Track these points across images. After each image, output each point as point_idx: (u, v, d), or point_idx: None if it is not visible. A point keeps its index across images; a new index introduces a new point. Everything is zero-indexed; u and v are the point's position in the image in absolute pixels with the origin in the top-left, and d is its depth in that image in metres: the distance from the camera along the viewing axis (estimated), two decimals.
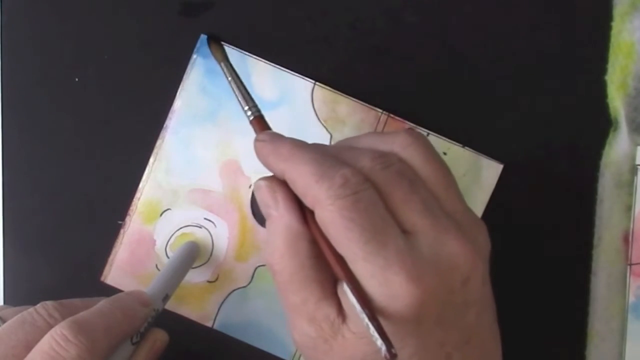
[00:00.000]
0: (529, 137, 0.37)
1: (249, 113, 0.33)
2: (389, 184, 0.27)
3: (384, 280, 0.25)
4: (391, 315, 0.26)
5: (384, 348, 0.24)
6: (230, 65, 0.35)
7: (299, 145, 0.28)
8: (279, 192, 0.28)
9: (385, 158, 0.28)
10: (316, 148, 0.29)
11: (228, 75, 0.35)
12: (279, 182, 0.29)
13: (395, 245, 0.26)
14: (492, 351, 0.30)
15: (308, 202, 0.27)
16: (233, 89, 0.34)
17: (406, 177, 0.27)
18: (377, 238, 0.26)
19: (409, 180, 0.27)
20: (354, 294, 0.26)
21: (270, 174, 0.29)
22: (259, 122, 0.32)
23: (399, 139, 0.29)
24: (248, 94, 0.33)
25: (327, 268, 0.27)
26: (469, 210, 0.29)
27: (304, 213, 0.28)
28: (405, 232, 0.27)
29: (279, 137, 0.30)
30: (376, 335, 0.25)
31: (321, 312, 0.27)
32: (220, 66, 0.35)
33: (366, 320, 0.25)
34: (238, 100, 0.33)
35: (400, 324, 0.26)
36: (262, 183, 0.29)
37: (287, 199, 0.28)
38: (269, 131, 0.31)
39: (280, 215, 0.28)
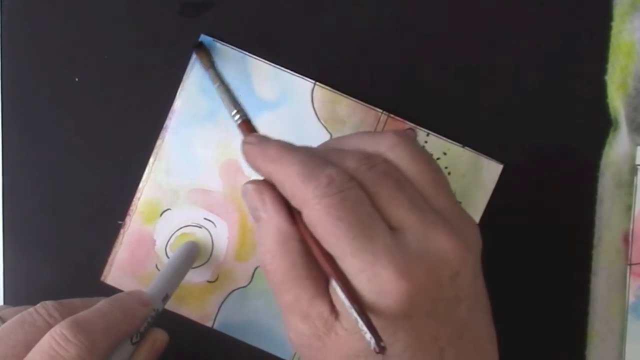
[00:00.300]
0: (529, 137, 0.37)
1: (237, 117, 0.33)
2: (375, 183, 0.27)
3: (373, 275, 0.25)
4: (381, 310, 0.26)
5: (373, 342, 0.24)
6: (217, 71, 0.35)
7: (286, 147, 0.29)
8: (267, 195, 0.28)
9: (371, 159, 0.28)
10: (303, 150, 0.29)
11: (215, 82, 0.35)
12: (266, 185, 0.29)
13: (383, 241, 0.26)
14: (486, 348, 0.30)
15: (295, 202, 0.27)
16: (220, 95, 0.34)
17: (392, 176, 0.27)
18: (365, 234, 0.26)
19: (395, 180, 0.27)
20: (342, 290, 0.26)
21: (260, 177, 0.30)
22: (247, 126, 0.32)
23: (385, 140, 0.29)
24: (235, 98, 0.33)
25: (319, 266, 0.28)
26: (458, 207, 0.29)
27: (293, 213, 0.28)
28: (392, 228, 0.27)
29: (266, 139, 0.30)
30: (365, 329, 0.25)
31: (314, 309, 0.27)
32: (208, 73, 0.35)
33: (355, 314, 0.25)
34: (225, 105, 0.33)
35: (390, 319, 0.26)
36: (250, 186, 0.29)
37: (275, 201, 0.28)
38: (256, 134, 0.32)
39: (269, 217, 0.28)
